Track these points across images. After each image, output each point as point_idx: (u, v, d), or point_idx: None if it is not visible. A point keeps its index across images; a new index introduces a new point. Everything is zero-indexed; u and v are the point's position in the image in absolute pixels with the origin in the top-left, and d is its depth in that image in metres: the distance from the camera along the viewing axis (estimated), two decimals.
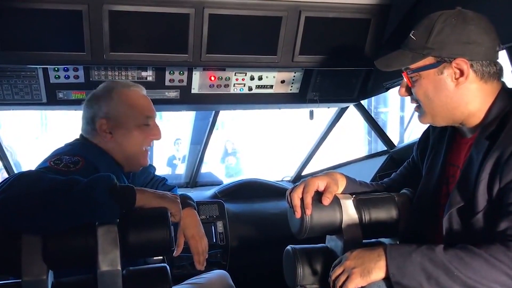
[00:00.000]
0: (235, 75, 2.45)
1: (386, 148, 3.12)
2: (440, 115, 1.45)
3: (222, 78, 2.44)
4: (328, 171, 1.69)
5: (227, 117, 11.12)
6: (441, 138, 1.58)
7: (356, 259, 1.38)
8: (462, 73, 1.37)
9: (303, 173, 3.45)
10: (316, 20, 2.16)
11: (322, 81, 2.56)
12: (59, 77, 2.25)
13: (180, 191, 1.94)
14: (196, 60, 2.16)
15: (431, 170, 1.58)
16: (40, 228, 1.29)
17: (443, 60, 1.38)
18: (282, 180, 3.43)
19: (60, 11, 1.92)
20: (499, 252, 1.22)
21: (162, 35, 2.08)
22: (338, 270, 1.40)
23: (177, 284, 1.89)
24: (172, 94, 2.42)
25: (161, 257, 1.84)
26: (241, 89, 2.50)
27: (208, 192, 2.94)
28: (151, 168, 2.11)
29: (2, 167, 2.88)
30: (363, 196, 1.62)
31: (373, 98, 5.16)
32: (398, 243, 1.63)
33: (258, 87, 2.51)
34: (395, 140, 3.13)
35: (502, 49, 1.63)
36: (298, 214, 1.54)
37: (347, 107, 2.92)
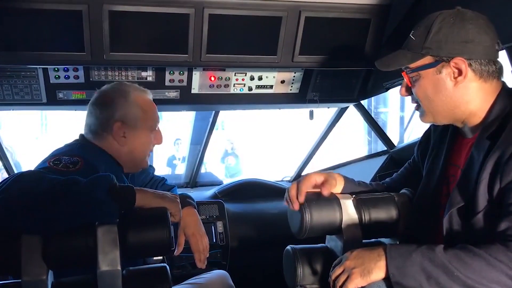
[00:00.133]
0: (235, 75, 2.45)
1: (386, 148, 3.12)
2: (441, 114, 1.45)
3: (222, 78, 2.44)
4: (326, 172, 1.70)
5: (227, 117, 11.13)
6: (442, 138, 1.58)
7: (356, 259, 1.38)
8: (460, 72, 1.37)
9: (303, 173, 3.45)
10: (316, 20, 2.16)
11: (322, 81, 2.56)
12: (59, 77, 2.25)
13: (180, 191, 1.94)
14: (196, 60, 2.16)
15: (431, 170, 1.58)
16: (40, 228, 1.29)
17: (441, 59, 1.38)
18: (282, 180, 3.44)
19: (60, 11, 1.92)
20: (499, 252, 1.22)
21: (162, 35, 2.08)
22: (338, 270, 1.40)
23: (177, 284, 1.89)
24: (172, 94, 2.42)
25: (161, 257, 1.84)
26: (241, 89, 2.50)
27: (208, 192, 2.94)
28: (150, 168, 2.11)
29: (2, 167, 2.88)
30: (363, 196, 1.62)
31: (373, 98, 5.16)
32: (398, 243, 1.63)
33: (258, 87, 2.51)
34: (395, 140, 3.14)
35: (502, 49, 1.63)
36: (295, 206, 1.54)
37: (347, 107, 2.92)
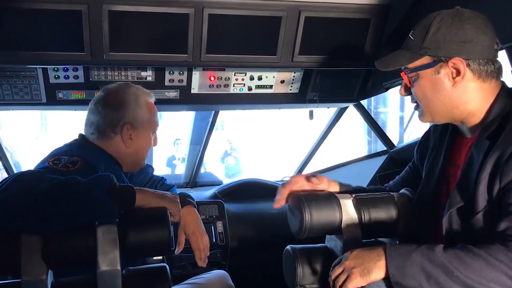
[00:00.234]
0: (234, 75, 2.45)
1: (385, 148, 3.12)
2: (440, 114, 1.46)
3: (221, 78, 2.44)
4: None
5: (227, 117, 11.13)
6: (442, 138, 1.58)
7: (356, 259, 1.38)
8: (458, 73, 1.37)
9: (303, 173, 3.45)
10: (315, 20, 2.16)
11: (321, 81, 2.56)
12: (58, 77, 2.25)
13: (180, 191, 1.95)
14: (195, 60, 2.16)
15: (431, 170, 1.58)
16: (40, 227, 1.29)
17: (439, 59, 1.38)
18: (282, 180, 3.43)
19: (60, 11, 1.92)
20: (499, 252, 1.22)
21: (162, 35, 2.08)
22: (338, 270, 1.40)
23: (177, 284, 1.89)
24: (172, 94, 2.42)
25: (161, 257, 1.84)
26: (241, 89, 2.50)
27: (208, 192, 2.94)
28: (149, 168, 2.11)
29: (2, 167, 2.88)
30: (362, 195, 1.62)
31: (372, 98, 5.16)
32: (397, 243, 1.63)
33: (257, 87, 2.51)
34: (394, 140, 3.14)
35: (502, 48, 1.63)
36: (276, 204, 1.67)
37: (347, 107, 2.92)
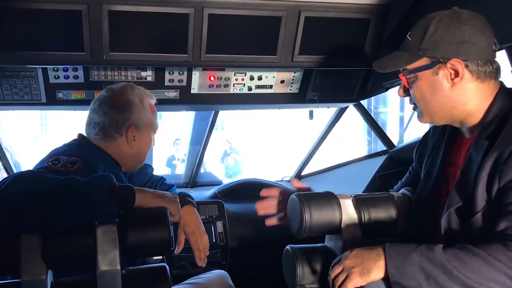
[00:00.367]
0: (234, 75, 2.45)
1: (385, 148, 3.12)
2: (438, 115, 1.45)
3: (221, 78, 2.44)
4: None
5: (227, 117, 11.13)
6: (441, 138, 1.58)
7: (355, 259, 1.38)
8: (457, 74, 1.37)
9: (303, 173, 3.45)
10: (315, 20, 2.16)
11: (321, 81, 2.56)
12: (58, 77, 2.25)
13: (180, 191, 1.95)
14: (195, 60, 2.16)
15: (431, 170, 1.57)
16: (39, 227, 1.29)
17: (437, 61, 1.38)
18: (282, 180, 3.43)
19: (59, 11, 1.92)
20: (498, 251, 1.22)
21: (162, 35, 2.08)
22: (337, 269, 1.40)
23: (177, 284, 1.89)
24: (172, 94, 2.42)
25: (161, 257, 1.84)
26: (241, 89, 2.50)
27: (208, 192, 2.94)
28: (149, 168, 2.11)
29: (2, 167, 2.88)
30: (362, 195, 1.62)
31: (372, 98, 5.16)
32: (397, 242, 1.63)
33: (257, 87, 2.51)
34: (394, 140, 3.14)
35: (501, 48, 1.63)
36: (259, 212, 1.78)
37: (347, 107, 2.92)
